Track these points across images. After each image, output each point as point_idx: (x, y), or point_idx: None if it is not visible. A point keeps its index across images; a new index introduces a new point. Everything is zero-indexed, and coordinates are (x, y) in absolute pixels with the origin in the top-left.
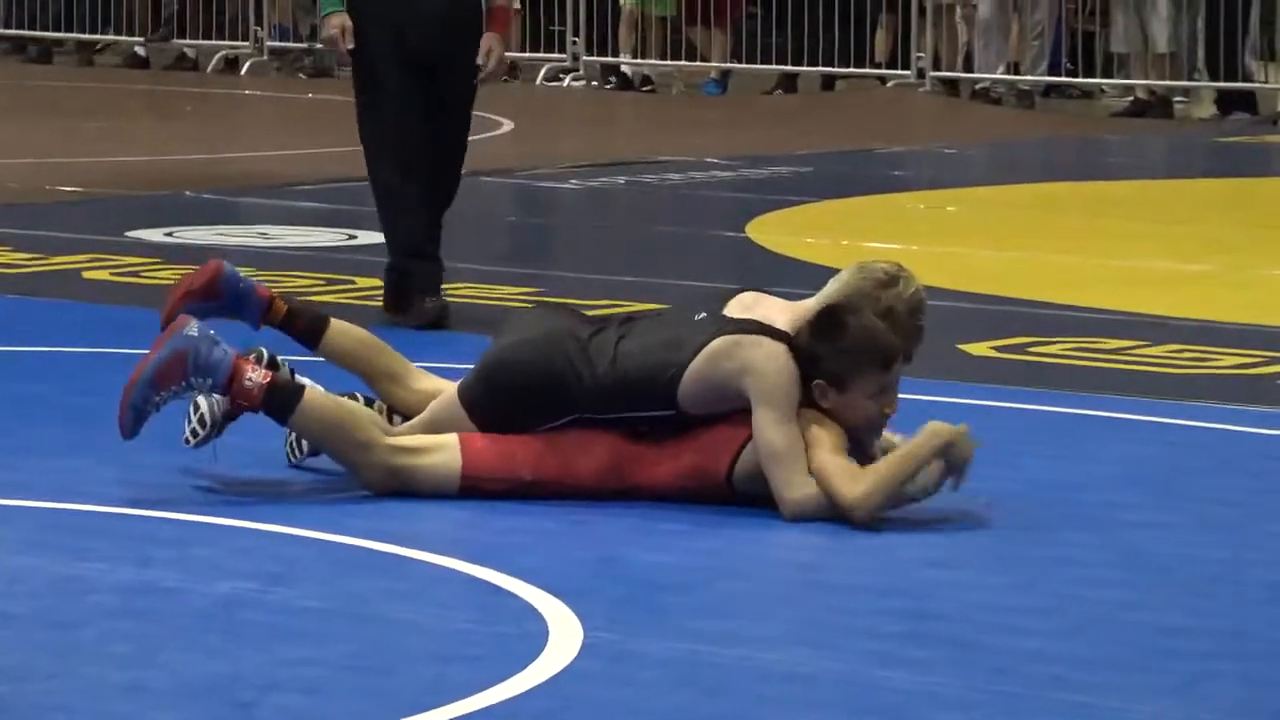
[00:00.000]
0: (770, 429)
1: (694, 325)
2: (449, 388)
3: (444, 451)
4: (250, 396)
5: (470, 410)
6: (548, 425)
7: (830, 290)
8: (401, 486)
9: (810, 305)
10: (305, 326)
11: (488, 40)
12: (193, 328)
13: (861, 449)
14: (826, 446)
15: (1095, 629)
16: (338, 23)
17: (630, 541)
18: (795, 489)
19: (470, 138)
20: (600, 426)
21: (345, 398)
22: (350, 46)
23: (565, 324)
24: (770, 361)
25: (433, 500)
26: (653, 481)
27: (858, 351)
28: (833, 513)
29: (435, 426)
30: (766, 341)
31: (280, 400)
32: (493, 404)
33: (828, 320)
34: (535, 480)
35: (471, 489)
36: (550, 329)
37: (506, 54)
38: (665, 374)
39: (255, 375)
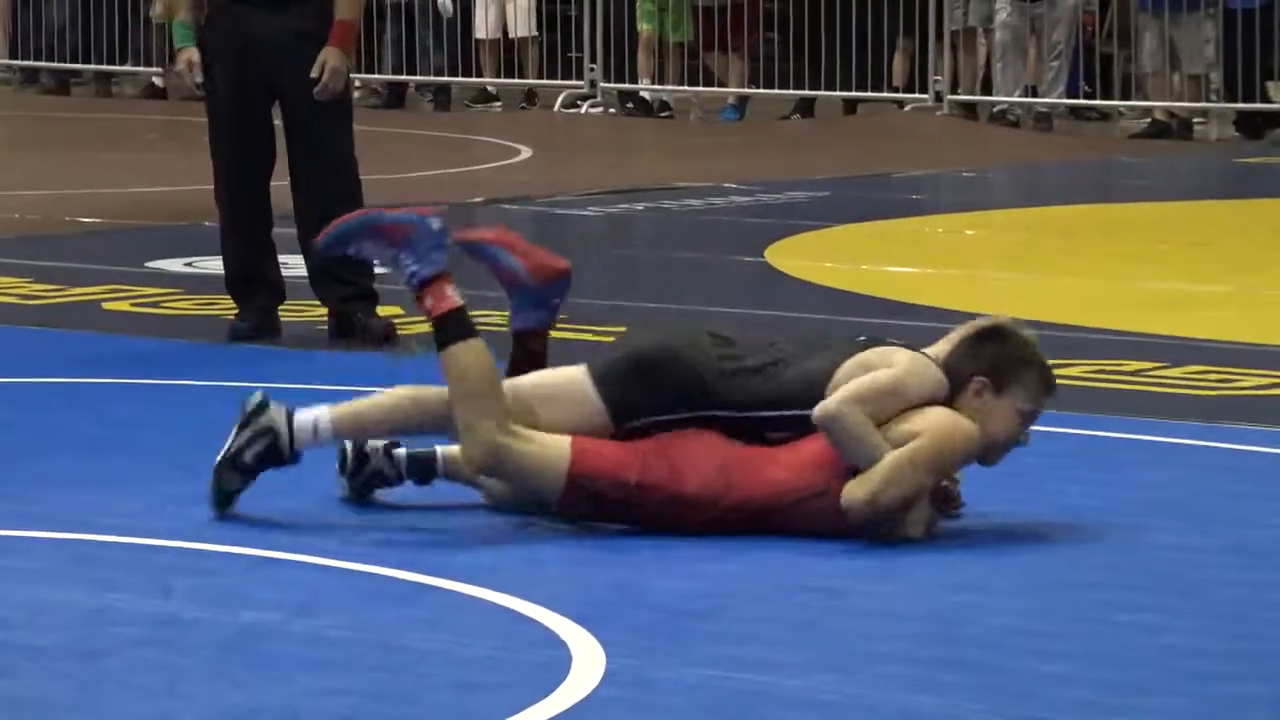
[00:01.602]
0: (870, 376)
1: (852, 343)
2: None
3: (555, 446)
4: (437, 303)
5: (602, 381)
6: (679, 415)
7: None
8: (500, 467)
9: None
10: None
11: (323, 54)
12: (438, 223)
13: (985, 461)
14: (909, 450)
15: (1123, 653)
16: (184, 58)
17: (652, 568)
18: (835, 402)
19: (487, 165)
20: (725, 426)
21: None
22: (199, 80)
23: (704, 332)
24: (915, 361)
25: (456, 526)
26: (760, 488)
27: (1024, 361)
28: (848, 445)
29: (551, 396)
30: (919, 354)
31: (456, 328)
32: (634, 379)
33: (993, 329)
34: (640, 484)
35: (576, 488)
36: (693, 331)
37: (343, 68)
38: (816, 380)
39: (453, 293)
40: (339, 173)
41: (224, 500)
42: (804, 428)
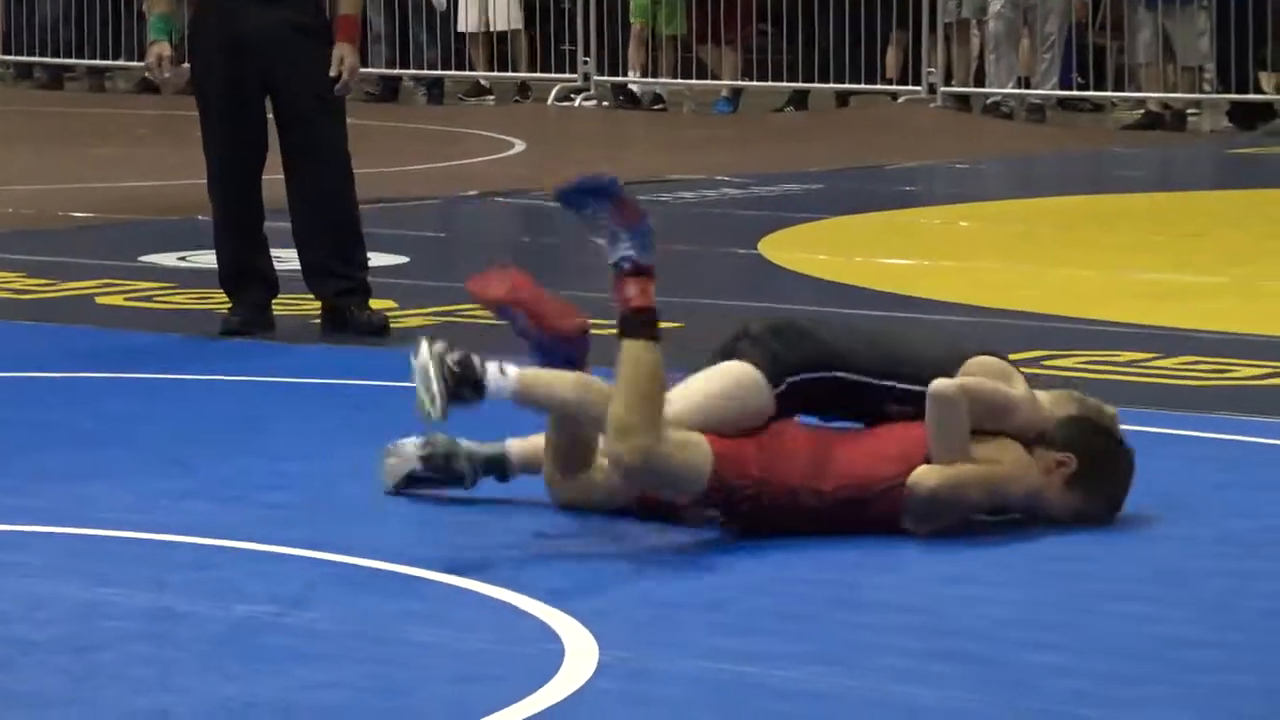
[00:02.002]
0: (999, 386)
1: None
2: None
3: (699, 452)
4: (640, 295)
5: (752, 350)
6: (812, 374)
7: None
8: (645, 474)
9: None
10: None
11: (339, 50)
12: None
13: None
14: (994, 470)
15: (1116, 643)
16: (155, 51)
17: (647, 560)
18: (964, 388)
19: (481, 158)
20: (854, 391)
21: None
22: (167, 75)
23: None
24: (1034, 397)
25: (450, 519)
26: (852, 476)
27: (1117, 477)
28: (948, 428)
29: (733, 396)
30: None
31: (647, 326)
32: (786, 340)
33: (1115, 435)
34: (763, 478)
35: (711, 491)
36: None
37: (359, 64)
38: (944, 361)
39: (653, 293)
40: (333, 167)
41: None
42: (919, 401)
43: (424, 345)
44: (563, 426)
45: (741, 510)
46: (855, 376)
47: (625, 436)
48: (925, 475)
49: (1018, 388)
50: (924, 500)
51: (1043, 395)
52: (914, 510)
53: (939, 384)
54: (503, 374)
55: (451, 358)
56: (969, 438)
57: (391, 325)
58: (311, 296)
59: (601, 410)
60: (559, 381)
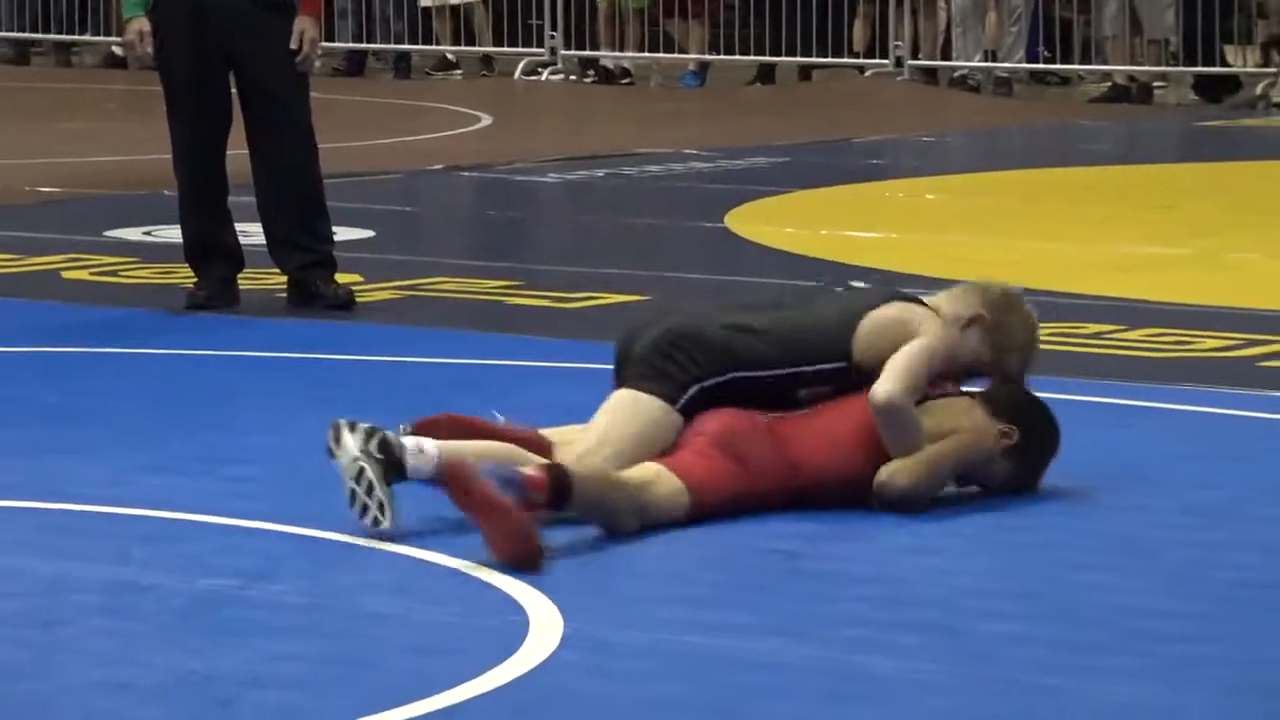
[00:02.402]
0: (926, 343)
1: (855, 293)
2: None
3: (663, 481)
4: (536, 487)
5: (646, 379)
6: (711, 381)
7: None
8: (644, 523)
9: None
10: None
11: (299, 24)
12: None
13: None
14: (955, 445)
15: (1077, 613)
16: (135, 28)
17: (610, 532)
18: (901, 392)
19: (447, 133)
20: (759, 387)
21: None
22: (148, 50)
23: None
24: (940, 329)
25: (413, 491)
26: (815, 464)
27: (1042, 454)
28: (902, 434)
29: (639, 432)
30: (931, 311)
31: (562, 490)
32: (675, 357)
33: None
34: (740, 492)
35: (697, 508)
36: (694, 309)
37: (320, 38)
38: (837, 328)
39: (535, 471)
40: (297, 141)
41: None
42: (832, 380)
43: (347, 443)
44: None
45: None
46: (756, 373)
47: (619, 519)
48: (895, 475)
49: (921, 324)
50: (897, 498)
51: (942, 298)
52: (887, 504)
53: (877, 402)
54: (421, 451)
55: (373, 446)
56: (921, 427)
57: (357, 299)
58: (277, 270)
59: None
60: (482, 456)
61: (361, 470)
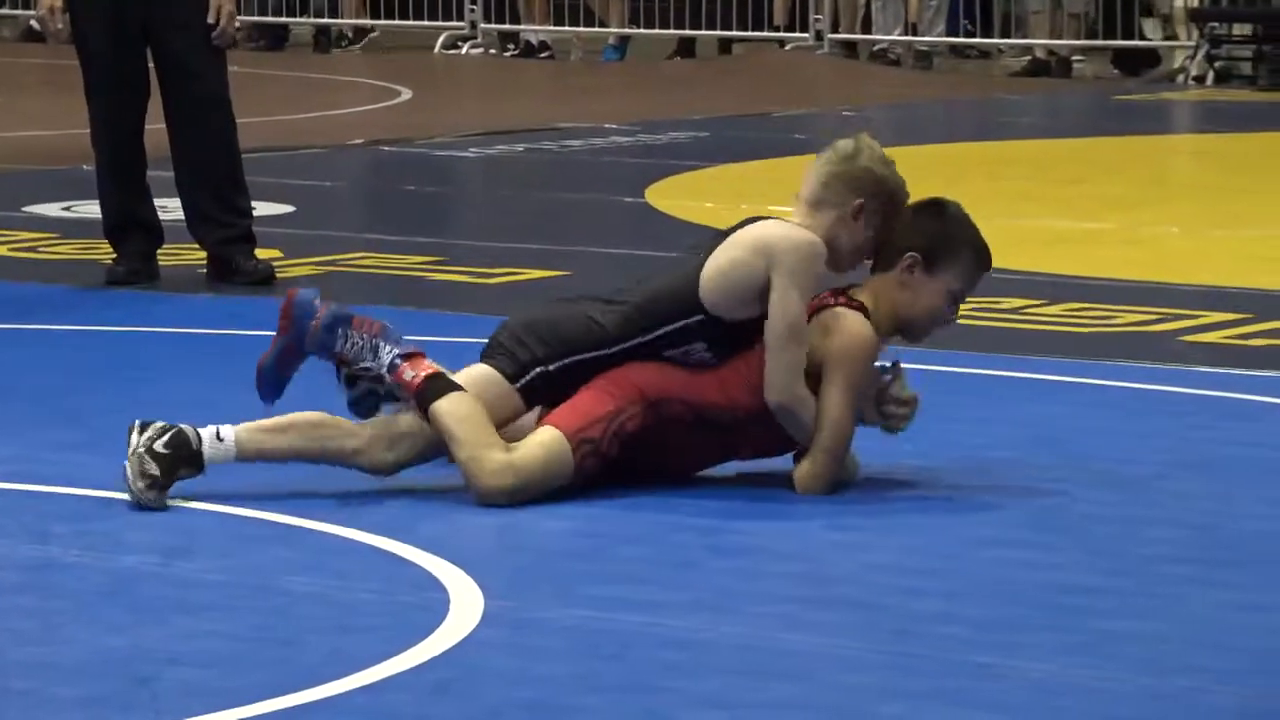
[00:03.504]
0: (787, 305)
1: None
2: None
3: (546, 436)
4: (417, 371)
5: (509, 357)
6: (555, 365)
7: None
8: (526, 489)
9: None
10: None
11: None
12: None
13: (909, 338)
14: (838, 389)
15: (998, 589)
16: (46, 2)
17: (530, 510)
18: (788, 387)
19: (367, 107)
20: (631, 357)
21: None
22: (60, 26)
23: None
24: (793, 235)
25: (333, 469)
26: (705, 391)
27: (961, 240)
28: (802, 426)
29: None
30: (789, 224)
31: (437, 386)
32: (510, 342)
33: (932, 203)
34: (619, 409)
35: (582, 449)
36: (565, 298)
37: (235, 10)
38: (685, 278)
39: (430, 363)
40: (215, 115)
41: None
42: (699, 336)
43: (131, 440)
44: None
45: (614, 455)
46: (597, 353)
47: (491, 475)
48: (808, 485)
49: (776, 250)
50: (819, 493)
51: (801, 195)
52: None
53: (774, 404)
54: (219, 440)
55: (160, 442)
56: (813, 411)
57: (277, 274)
58: (196, 246)
59: (342, 441)
60: (286, 431)
61: (125, 470)
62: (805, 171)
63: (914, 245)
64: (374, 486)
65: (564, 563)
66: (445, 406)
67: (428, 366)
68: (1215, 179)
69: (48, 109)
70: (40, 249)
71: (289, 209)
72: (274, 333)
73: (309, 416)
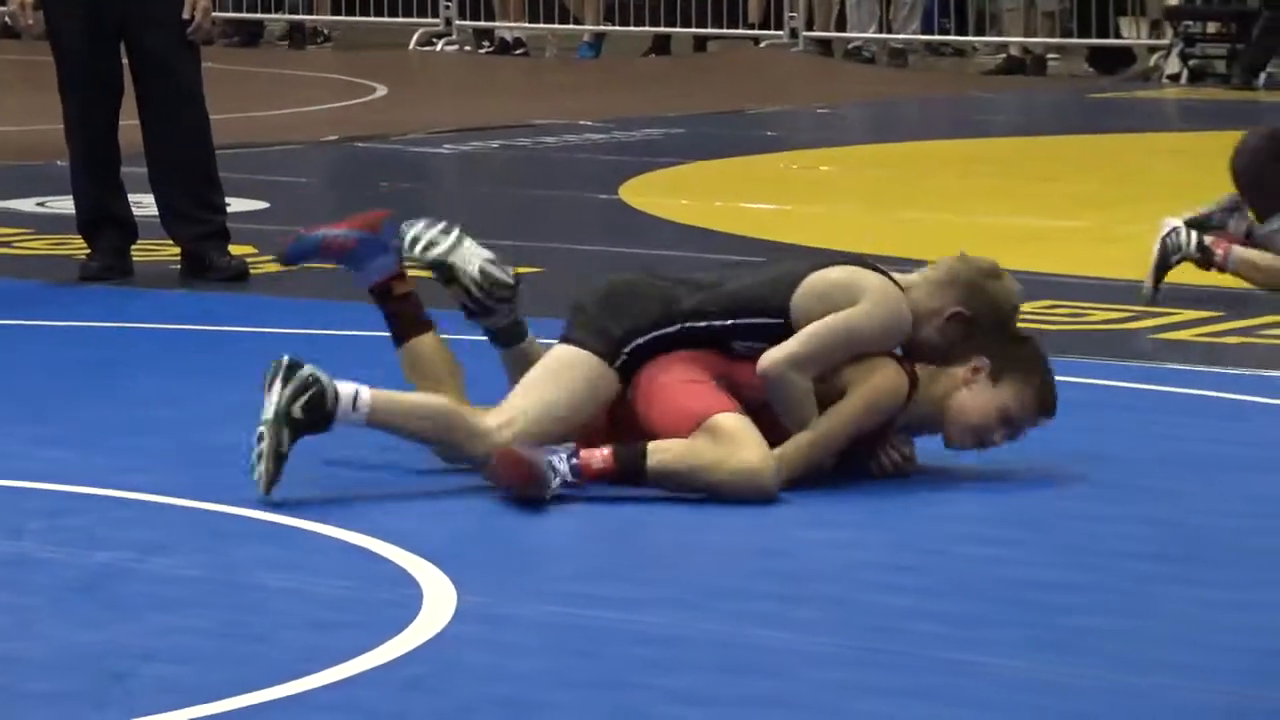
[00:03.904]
0: (840, 321)
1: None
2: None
3: (729, 419)
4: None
5: (582, 329)
6: (655, 333)
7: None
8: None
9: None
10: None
11: None
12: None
13: (947, 435)
14: (852, 409)
15: (971, 586)
16: None
17: (503, 505)
18: (785, 362)
19: (342, 103)
20: (703, 339)
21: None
22: (30, 22)
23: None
24: (884, 299)
25: (306, 466)
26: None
27: (1036, 372)
28: (785, 407)
29: (550, 372)
30: (888, 282)
31: (410, 321)
32: (603, 316)
33: (1020, 332)
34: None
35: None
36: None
37: (211, 7)
38: (781, 284)
39: (407, 285)
40: (189, 111)
41: (275, 465)
42: (771, 338)
43: (273, 391)
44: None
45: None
46: (695, 324)
47: (773, 476)
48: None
49: (864, 289)
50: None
51: (915, 277)
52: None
53: (763, 367)
54: (355, 409)
55: (299, 405)
56: (809, 409)
57: (251, 271)
58: (170, 242)
59: (473, 446)
60: (423, 419)
61: (260, 435)
62: (942, 260)
63: (989, 354)
64: (344, 484)
65: (538, 559)
66: (668, 460)
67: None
68: (1189, 177)
69: (22, 105)
70: (14, 244)
71: (263, 205)
72: (245, 328)
73: (447, 410)
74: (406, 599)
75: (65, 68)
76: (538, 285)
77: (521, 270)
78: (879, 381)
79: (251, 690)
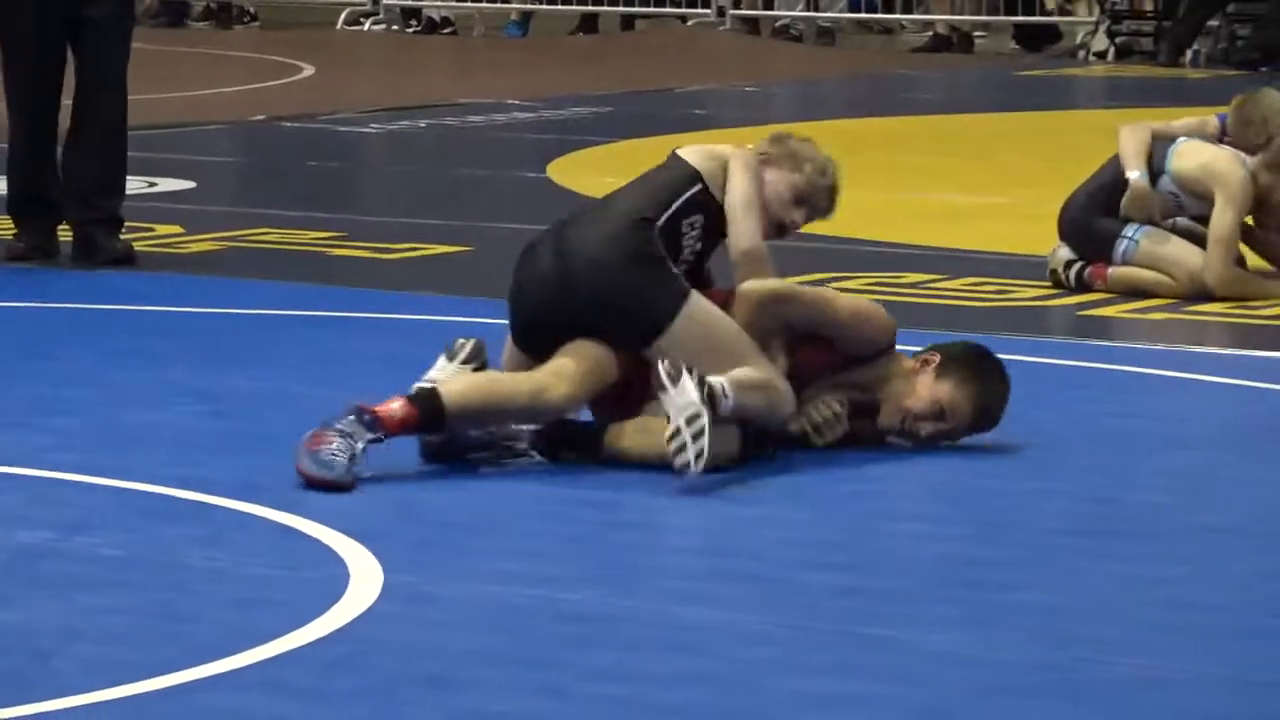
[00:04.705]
0: (742, 183)
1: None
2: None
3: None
4: (397, 422)
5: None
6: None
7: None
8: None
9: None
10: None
11: None
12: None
13: (880, 419)
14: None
15: (897, 562)
16: None
17: (429, 484)
18: (746, 239)
19: (269, 83)
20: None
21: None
22: None
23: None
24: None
25: (232, 445)
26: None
27: (982, 380)
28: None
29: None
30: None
31: (429, 419)
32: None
33: (986, 353)
34: None
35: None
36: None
37: None
38: (669, 168)
39: (398, 408)
40: (116, 98)
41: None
42: (695, 210)
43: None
44: None
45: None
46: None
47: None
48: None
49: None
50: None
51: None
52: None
53: (736, 248)
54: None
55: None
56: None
57: (136, 254)
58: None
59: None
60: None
61: (699, 415)
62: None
63: (945, 354)
64: (268, 462)
65: (463, 537)
66: (460, 396)
67: (395, 414)
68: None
69: None
70: None
71: (190, 185)
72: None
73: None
74: (332, 578)
75: (14, 55)
76: (466, 264)
77: (449, 249)
78: (873, 307)
79: (178, 669)
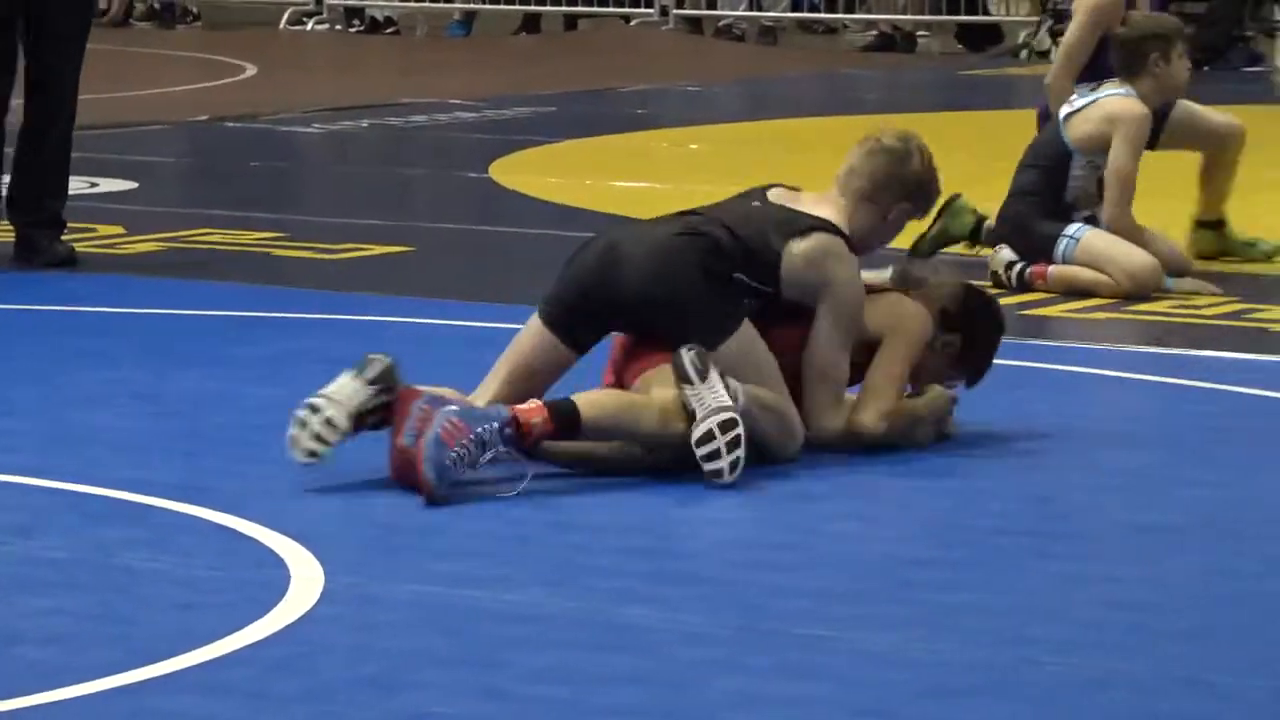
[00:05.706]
0: (830, 349)
1: (763, 214)
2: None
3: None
4: (536, 430)
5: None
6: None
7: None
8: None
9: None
10: None
11: None
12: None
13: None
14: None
15: (841, 563)
16: None
17: (370, 485)
18: (833, 418)
19: (212, 83)
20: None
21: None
22: None
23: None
24: (850, 286)
25: (174, 446)
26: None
27: (988, 345)
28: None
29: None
30: (850, 263)
31: (562, 428)
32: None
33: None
34: None
35: None
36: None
37: None
38: (770, 252)
39: (538, 419)
40: (66, 101)
41: None
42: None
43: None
44: None
45: None
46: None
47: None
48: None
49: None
50: (869, 442)
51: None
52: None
53: (855, 426)
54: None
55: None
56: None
57: (78, 256)
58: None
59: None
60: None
61: (735, 423)
62: (852, 157)
63: (955, 333)
64: (209, 464)
65: (405, 538)
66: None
67: (536, 426)
68: None
69: None
70: None
71: (132, 185)
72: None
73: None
74: (274, 580)
75: None
76: (408, 264)
77: (391, 249)
78: (910, 325)
79: (120, 671)
